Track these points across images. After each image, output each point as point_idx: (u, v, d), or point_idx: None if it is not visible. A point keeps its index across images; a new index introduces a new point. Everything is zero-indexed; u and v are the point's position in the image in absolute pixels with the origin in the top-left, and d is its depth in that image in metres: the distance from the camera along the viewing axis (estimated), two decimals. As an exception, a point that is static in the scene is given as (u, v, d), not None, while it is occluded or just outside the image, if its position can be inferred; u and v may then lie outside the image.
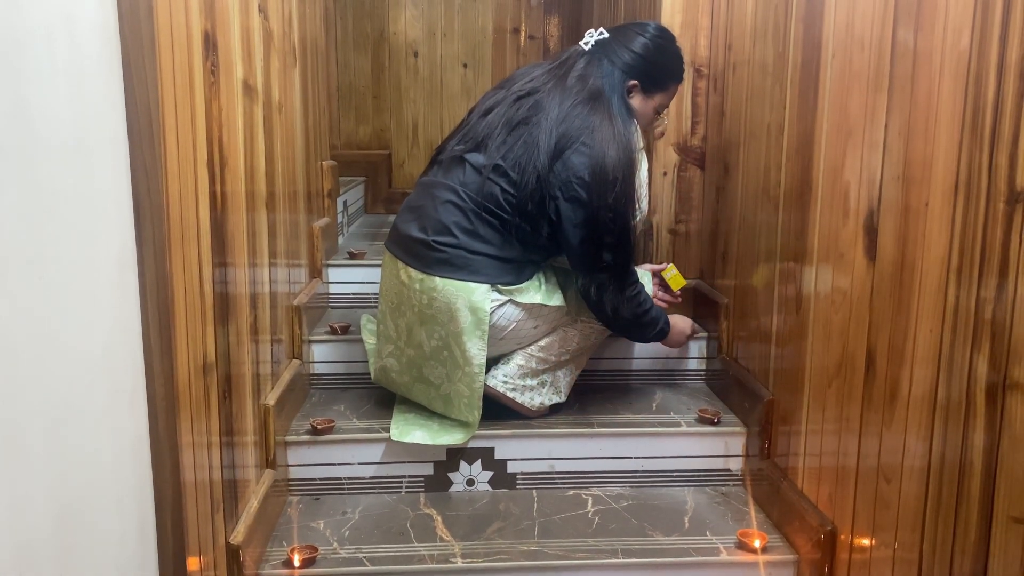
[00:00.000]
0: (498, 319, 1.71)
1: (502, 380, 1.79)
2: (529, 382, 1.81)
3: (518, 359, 1.80)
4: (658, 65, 1.78)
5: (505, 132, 1.71)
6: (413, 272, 1.72)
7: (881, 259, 1.25)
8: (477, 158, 1.72)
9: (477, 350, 1.69)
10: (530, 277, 1.75)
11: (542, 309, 1.75)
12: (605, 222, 1.65)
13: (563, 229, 1.68)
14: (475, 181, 1.70)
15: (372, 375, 1.92)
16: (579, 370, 1.90)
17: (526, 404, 1.81)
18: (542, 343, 1.80)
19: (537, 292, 1.74)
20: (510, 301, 1.71)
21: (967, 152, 1.04)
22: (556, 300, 1.75)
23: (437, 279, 1.68)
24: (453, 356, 1.71)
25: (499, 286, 1.70)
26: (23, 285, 0.80)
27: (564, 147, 1.65)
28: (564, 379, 1.86)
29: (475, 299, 1.67)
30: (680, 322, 1.94)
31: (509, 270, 1.71)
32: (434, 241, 1.69)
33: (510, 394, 1.79)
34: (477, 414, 1.71)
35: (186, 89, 1.15)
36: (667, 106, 1.85)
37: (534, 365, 1.80)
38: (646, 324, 1.81)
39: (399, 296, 1.76)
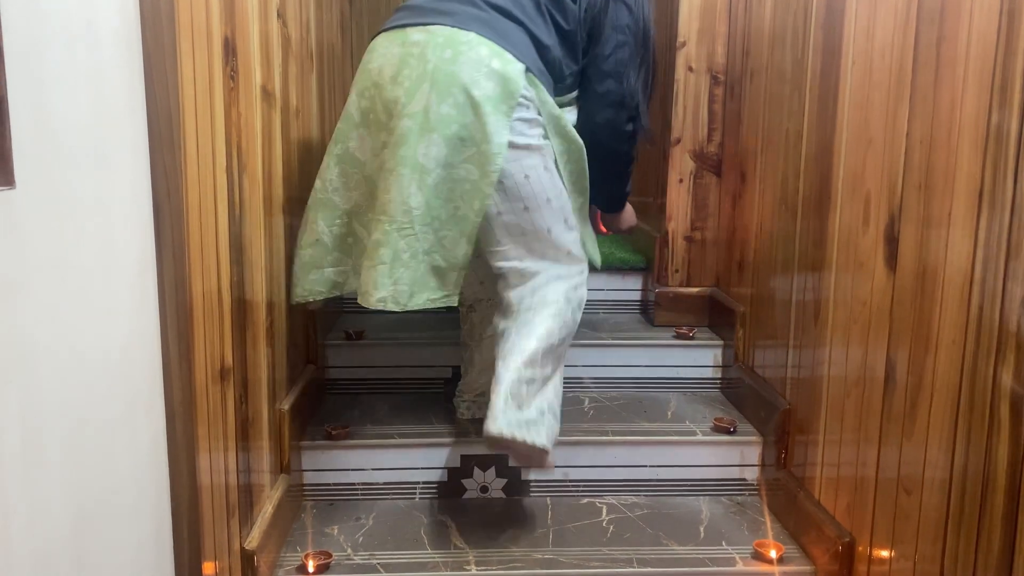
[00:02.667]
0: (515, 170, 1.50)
1: (504, 423, 1.47)
2: (527, 414, 1.52)
3: (507, 378, 1.50)
4: None
5: None
6: (437, 28, 1.49)
7: (902, 268, 1.24)
8: None
9: (500, 126, 1.46)
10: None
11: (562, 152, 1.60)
12: (641, 42, 1.64)
13: (603, 36, 1.61)
14: None
15: (301, 289, 1.62)
16: (560, 397, 1.63)
17: (536, 443, 1.50)
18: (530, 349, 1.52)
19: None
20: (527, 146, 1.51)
21: (991, 161, 1.03)
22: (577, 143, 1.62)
23: (472, 34, 1.48)
24: (471, 133, 1.47)
25: (528, 81, 1.51)
26: (42, 289, 0.80)
27: None
28: (556, 401, 1.60)
29: (510, 71, 1.47)
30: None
31: (544, 64, 1.56)
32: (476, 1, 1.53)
33: (518, 435, 1.47)
34: (489, 190, 1.48)
35: (206, 94, 1.15)
36: None
37: (523, 387, 1.52)
38: (628, 177, 1.78)
39: (396, 72, 1.50)
